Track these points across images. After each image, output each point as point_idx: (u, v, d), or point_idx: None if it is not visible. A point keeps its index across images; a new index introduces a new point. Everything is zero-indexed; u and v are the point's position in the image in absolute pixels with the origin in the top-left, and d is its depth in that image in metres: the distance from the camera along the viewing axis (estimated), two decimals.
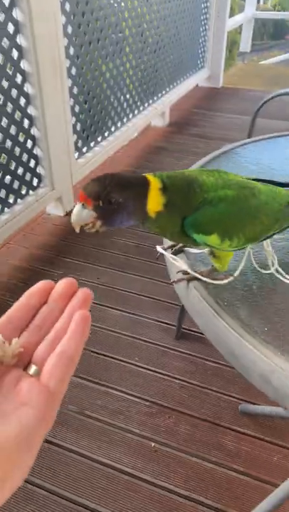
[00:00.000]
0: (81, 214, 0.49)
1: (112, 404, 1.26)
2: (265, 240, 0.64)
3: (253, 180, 0.64)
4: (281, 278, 0.63)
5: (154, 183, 0.53)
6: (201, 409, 1.26)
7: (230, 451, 1.15)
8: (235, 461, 1.13)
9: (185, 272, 0.65)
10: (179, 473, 1.10)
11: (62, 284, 0.36)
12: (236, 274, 0.62)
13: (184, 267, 0.66)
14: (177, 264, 0.66)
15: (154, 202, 0.53)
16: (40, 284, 0.37)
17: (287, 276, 0.63)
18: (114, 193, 0.49)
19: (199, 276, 0.63)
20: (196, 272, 0.64)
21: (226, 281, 0.63)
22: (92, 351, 1.43)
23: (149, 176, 0.54)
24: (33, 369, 0.33)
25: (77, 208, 0.49)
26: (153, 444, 1.17)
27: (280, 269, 0.64)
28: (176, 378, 1.35)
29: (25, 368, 0.33)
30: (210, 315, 0.54)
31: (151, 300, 1.65)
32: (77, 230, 0.51)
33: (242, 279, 0.60)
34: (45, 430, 0.30)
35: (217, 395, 1.30)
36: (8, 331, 0.34)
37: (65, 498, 1.05)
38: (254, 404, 1.26)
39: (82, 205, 0.49)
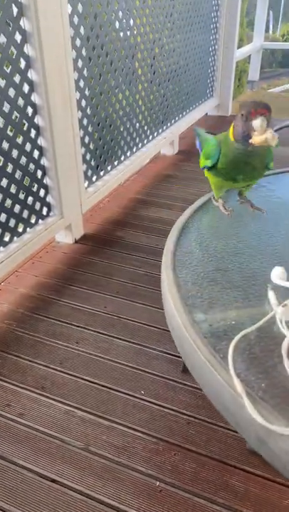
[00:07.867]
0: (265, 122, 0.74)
1: (116, 440, 1.23)
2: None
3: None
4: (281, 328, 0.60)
5: None
6: (207, 446, 1.23)
7: (238, 492, 1.11)
8: (243, 503, 1.08)
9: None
10: None
11: None
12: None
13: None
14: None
15: None
16: None
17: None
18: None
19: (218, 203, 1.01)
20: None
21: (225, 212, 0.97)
22: (96, 383, 1.41)
23: None
24: None
25: (261, 119, 0.73)
26: (158, 483, 1.13)
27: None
28: (182, 413, 1.31)
29: None
30: (205, 369, 0.51)
31: (158, 330, 1.63)
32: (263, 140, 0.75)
33: (239, 327, 0.58)
34: None
35: (224, 431, 1.26)
36: None
37: None
38: None
39: (263, 119, 0.74)
